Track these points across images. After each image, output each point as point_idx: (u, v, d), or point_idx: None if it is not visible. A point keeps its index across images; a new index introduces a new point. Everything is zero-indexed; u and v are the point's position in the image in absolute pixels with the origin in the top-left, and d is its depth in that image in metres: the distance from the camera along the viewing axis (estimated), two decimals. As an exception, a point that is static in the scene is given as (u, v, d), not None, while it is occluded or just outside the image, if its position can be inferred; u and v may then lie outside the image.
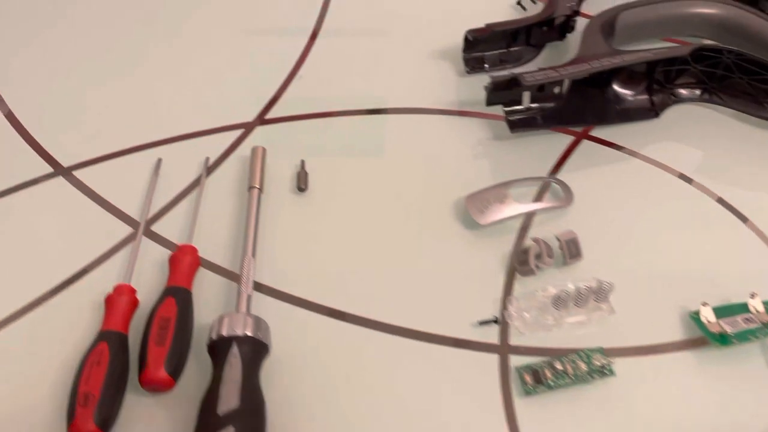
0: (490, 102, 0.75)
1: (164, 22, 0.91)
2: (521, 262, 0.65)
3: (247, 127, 0.78)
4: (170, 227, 0.70)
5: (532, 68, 0.75)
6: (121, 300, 0.60)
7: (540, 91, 0.75)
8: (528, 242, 0.68)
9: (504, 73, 0.73)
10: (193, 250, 0.65)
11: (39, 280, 0.65)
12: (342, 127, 0.79)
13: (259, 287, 0.64)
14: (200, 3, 0.93)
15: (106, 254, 0.67)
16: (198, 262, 0.65)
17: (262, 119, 0.79)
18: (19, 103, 0.81)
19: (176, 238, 0.68)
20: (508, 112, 0.76)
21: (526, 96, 0.75)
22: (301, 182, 0.72)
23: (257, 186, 0.69)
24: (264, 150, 0.73)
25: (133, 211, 0.71)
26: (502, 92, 0.74)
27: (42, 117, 0.79)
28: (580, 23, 0.84)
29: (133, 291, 0.62)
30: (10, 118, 0.79)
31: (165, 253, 0.67)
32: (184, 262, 0.63)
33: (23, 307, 0.63)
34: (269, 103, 0.81)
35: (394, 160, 0.76)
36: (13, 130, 0.78)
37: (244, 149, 0.76)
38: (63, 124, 0.78)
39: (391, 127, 0.79)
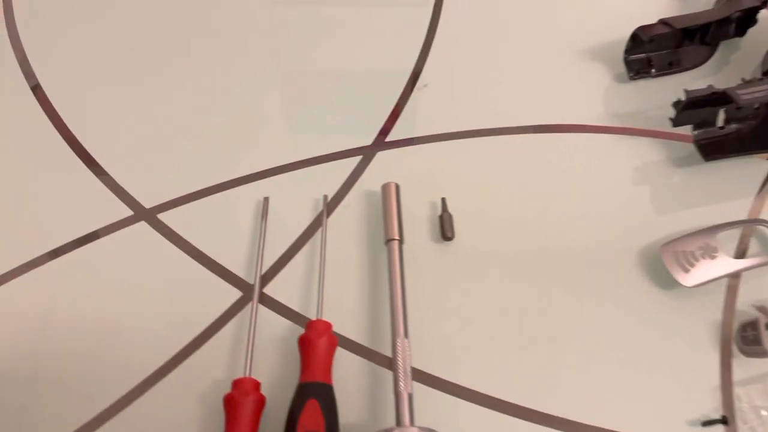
0: (678, 122, 0.59)
1: (260, 40, 0.75)
2: (748, 340, 0.51)
3: (366, 153, 0.63)
4: (286, 287, 0.55)
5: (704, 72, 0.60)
6: (246, 403, 0.46)
7: (738, 110, 0.60)
8: (750, 311, 0.53)
9: (702, 87, 0.58)
10: (328, 328, 0.51)
11: (127, 369, 0.52)
12: (481, 151, 0.64)
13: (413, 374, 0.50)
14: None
15: (210, 329, 0.53)
16: (336, 343, 0.50)
17: (382, 142, 0.64)
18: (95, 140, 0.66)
19: (296, 304, 0.54)
20: (698, 135, 0.60)
21: (721, 115, 0.60)
22: (447, 229, 0.57)
23: (397, 237, 0.55)
24: (397, 187, 0.58)
25: (236, 266, 0.56)
26: (695, 110, 0.59)
27: (118, 153, 0.65)
28: (764, 15, 0.68)
29: (257, 386, 0.48)
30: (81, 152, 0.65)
31: (282, 324, 0.53)
32: (319, 346, 0.49)
33: (110, 406, 0.50)
34: (388, 121, 0.66)
35: (552, 193, 0.61)
36: (89, 171, 0.63)
37: (367, 181, 0.61)
38: (142, 159, 0.64)
39: (541, 150, 0.64)
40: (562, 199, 0.60)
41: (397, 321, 0.50)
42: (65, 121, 0.65)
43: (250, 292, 0.55)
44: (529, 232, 0.58)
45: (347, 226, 0.59)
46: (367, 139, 0.64)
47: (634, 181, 0.61)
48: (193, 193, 0.60)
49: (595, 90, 0.68)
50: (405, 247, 0.55)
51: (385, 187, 0.58)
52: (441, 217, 0.58)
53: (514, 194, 0.61)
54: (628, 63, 0.67)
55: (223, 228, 0.58)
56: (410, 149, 0.64)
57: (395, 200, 0.57)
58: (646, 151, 0.63)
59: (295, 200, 0.60)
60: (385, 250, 0.56)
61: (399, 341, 0.49)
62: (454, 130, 0.65)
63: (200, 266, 0.56)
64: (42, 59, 0.71)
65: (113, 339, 0.53)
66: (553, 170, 0.62)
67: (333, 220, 0.59)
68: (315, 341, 0.49)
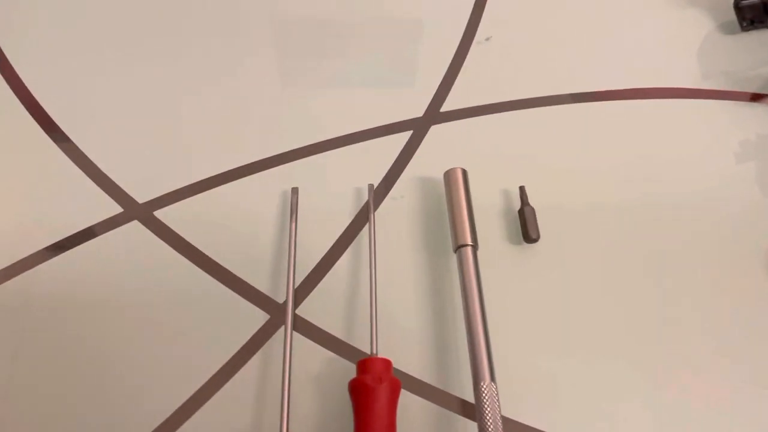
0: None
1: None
2: None
3: (417, 127, 0.50)
4: (324, 307, 0.43)
5: None
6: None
7: None
8: None
9: None
10: (387, 369, 0.38)
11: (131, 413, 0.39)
12: (563, 123, 0.50)
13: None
14: None
15: (230, 366, 0.41)
16: (399, 389, 0.38)
17: (436, 112, 0.51)
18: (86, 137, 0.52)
19: (339, 328, 0.42)
20: None
21: None
22: (531, 228, 0.44)
23: (470, 242, 0.42)
24: (465, 174, 0.45)
25: (259, 280, 0.43)
26: None
27: (99, 134, 0.51)
28: None
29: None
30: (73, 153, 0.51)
31: (321, 356, 0.41)
32: (380, 396, 0.36)
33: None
34: (442, 86, 0.52)
35: (654, 176, 0.48)
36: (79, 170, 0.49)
37: (420, 164, 0.48)
38: (133, 143, 0.50)
39: (638, 121, 0.51)
40: (667, 184, 0.48)
41: (480, 359, 0.38)
42: (30, 89, 0.52)
43: (280, 314, 0.42)
44: (632, 227, 0.46)
45: (399, 224, 0.46)
46: (418, 110, 0.51)
47: (755, 161, 0.49)
48: (199, 183, 0.47)
49: (697, 44, 0.54)
50: (478, 253, 0.43)
51: (450, 175, 0.45)
52: (521, 212, 0.45)
53: (609, 178, 0.48)
54: (740, 9, 0.54)
55: (238, 229, 0.45)
56: (472, 122, 0.50)
57: (464, 191, 0.44)
58: (762, 120, 0.51)
59: (329, 191, 0.47)
60: (453, 258, 0.43)
61: (485, 387, 0.37)
62: (527, 95, 0.51)
63: (212, 280, 0.43)
64: (16, 41, 0.56)
65: (103, 394, 0.40)
66: (652, 147, 0.49)
67: (380, 218, 0.46)
68: (373, 390, 0.37)
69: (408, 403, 0.40)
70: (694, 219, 0.46)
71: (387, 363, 0.38)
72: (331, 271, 0.44)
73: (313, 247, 0.44)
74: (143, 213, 0.46)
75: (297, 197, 0.45)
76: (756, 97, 0.52)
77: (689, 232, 0.46)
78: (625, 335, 0.42)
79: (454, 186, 0.44)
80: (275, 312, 0.42)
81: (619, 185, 0.47)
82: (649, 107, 0.51)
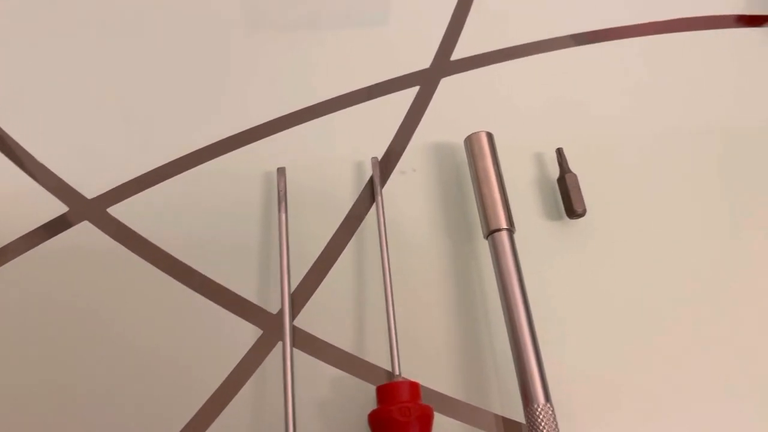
0: None
1: None
2: None
3: (425, 80, 0.41)
4: (327, 316, 0.35)
5: None
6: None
7: None
8: None
9: None
10: (415, 394, 0.31)
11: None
12: (603, 65, 0.42)
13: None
14: None
15: (219, 396, 0.33)
16: (432, 418, 0.31)
17: (446, 63, 0.42)
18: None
19: (347, 340, 0.34)
20: None
21: None
22: (576, 200, 0.36)
23: (505, 226, 0.34)
24: (491, 139, 0.36)
25: (245, 287, 0.35)
26: None
27: (36, 122, 0.41)
28: None
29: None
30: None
31: (328, 376, 0.33)
32: (412, 430, 0.29)
33: None
34: (451, 28, 0.43)
35: (712, 123, 0.40)
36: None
37: (431, 127, 0.39)
38: (77, 130, 0.41)
39: (681, 58, 0.42)
40: (727, 128, 0.39)
41: (530, 376, 0.30)
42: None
43: (275, 328, 0.34)
44: (696, 184, 0.38)
45: (412, 205, 0.37)
46: (424, 60, 0.42)
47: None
48: (160, 169, 0.38)
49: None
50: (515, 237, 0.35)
51: (473, 141, 0.36)
52: (561, 181, 0.37)
53: (665, 130, 0.39)
54: None
55: (213, 223, 0.36)
56: (490, 70, 0.41)
57: (492, 162, 0.35)
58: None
59: (323, 169, 0.38)
60: (483, 244, 0.35)
61: (539, 410, 0.29)
62: (554, 34, 0.42)
63: (186, 290, 0.35)
64: None
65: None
66: (705, 88, 0.41)
67: (387, 198, 0.37)
68: (403, 426, 0.29)
69: (440, 426, 0.32)
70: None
71: (415, 387, 0.31)
72: (333, 269, 0.35)
73: (308, 240, 0.36)
74: (94, 211, 0.37)
75: (285, 179, 0.37)
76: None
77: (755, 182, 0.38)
78: (705, 329, 0.34)
79: (479, 155, 0.35)
80: (269, 325, 0.34)
81: (676, 136, 0.39)
82: (698, 40, 0.43)
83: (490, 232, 0.34)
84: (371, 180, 0.37)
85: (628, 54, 0.42)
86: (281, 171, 0.37)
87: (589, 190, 0.37)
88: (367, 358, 0.33)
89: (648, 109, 0.40)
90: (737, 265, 0.36)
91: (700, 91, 0.41)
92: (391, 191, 0.38)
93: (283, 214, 0.35)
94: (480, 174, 0.35)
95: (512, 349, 0.31)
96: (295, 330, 0.34)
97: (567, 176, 0.36)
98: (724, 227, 0.37)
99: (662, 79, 0.42)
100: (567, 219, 0.36)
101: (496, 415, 0.32)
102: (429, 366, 0.33)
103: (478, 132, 0.36)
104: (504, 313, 0.32)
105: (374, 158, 0.37)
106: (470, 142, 0.36)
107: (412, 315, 0.34)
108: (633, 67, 0.42)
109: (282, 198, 0.36)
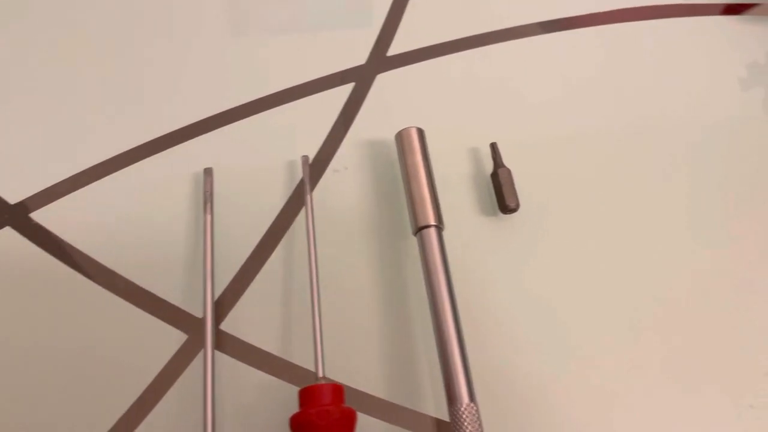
0: None
1: None
2: None
3: (360, 77, 0.40)
4: (254, 318, 0.34)
5: None
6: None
7: None
8: None
9: None
10: (338, 397, 0.30)
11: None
12: (535, 57, 0.41)
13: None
14: None
15: (140, 404, 0.32)
16: (354, 422, 0.30)
17: (382, 58, 0.41)
18: None
19: (274, 342, 0.33)
20: None
21: None
22: (508, 195, 0.35)
23: (433, 222, 0.33)
24: (422, 135, 0.36)
25: (170, 290, 0.34)
26: None
27: None
28: None
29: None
30: None
31: (255, 379, 0.32)
32: (331, 434, 0.28)
33: None
34: (388, 23, 0.42)
35: (653, 118, 0.39)
36: None
37: (367, 125, 0.39)
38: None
39: (620, 48, 0.41)
40: (669, 124, 0.39)
41: (456, 375, 0.29)
42: None
43: (200, 333, 0.33)
44: (634, 179, 0.37)
45: (344, 204, 0.36)
46: (359, 56, 0.41)
47: (763, 85, 0.40)
48: (85, 173, 0.37)
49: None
50: (445, 234, 0.34)
51: (403, 137, 0.35)
52: (495, 176, 0.36)
53: (601, 124, 0.39)
54: None
55: (139, 227, 0.35)
56: (427, 66, 0.41)
57: (422, 157, 0.35)
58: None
59: (253, 169, 0.37)
60: (414, 242, 0.34)
61: (463, 409, 0.29)
62: (492, 27, 0.42)
63: (112, 296, 0.34)
64: None
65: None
66: (646, 79, 0.40)
67: (319, 197, 0.37)
68: (322, 428, 0.28)
69: (371, 429, 0.31)
70: (710, 163, 0.38)
71: (337, 390, 0.30)
72: (261, 272, 0.34)
73: (236, 242, 0.35)
74: (17, 216, 0.36)
75: (212, 180, 0.36)
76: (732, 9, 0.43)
77: (706, 178, 0.37)
78: (638, 326, 0.33)
79: (409, 151, 0.35)
80: (194, 330, 0.33)
81: (613, 132, 0.39)
82: (637, 30, 0.42)
83: (418, 229, 0.33)
84: (302, 180, 0.36)
85: (570, 46, 0.42)
86: (208, 171, 0.36)
87: (524, 185, 0.36)
88: (294, 361, 0.33)
89: (588, 102, 0.40)
90: (672, 260, 0.35)
91: (649, 82, 0.41)
92: (324, 190, 0.37)
93: (209, 216, 0.34)
94: (409, 170, 0.34)
95: (438, 348, 0.30)
96: (221, 334, 0.33)
97: (500, 171, 0.35)
98: (661, 223, 0.36)
99: (606, 71, 0.41)
100: (501, 214, 0.36)
101: (430, 417, 0.31)
102: (360, 368, 0.32)
103: (408, 128, 0.35)
104: (431, 311, 0.31)
105: (304, 157, 0.37)
106: (400, 138, 0.35)
107: (342, 316, 0.33)
108: (575, 60, 0.41)
109: (208, 199, 0.35)
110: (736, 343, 0.33)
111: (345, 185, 0.37)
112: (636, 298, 0.34)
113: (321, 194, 0.36)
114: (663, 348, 0.33)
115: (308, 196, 0.35)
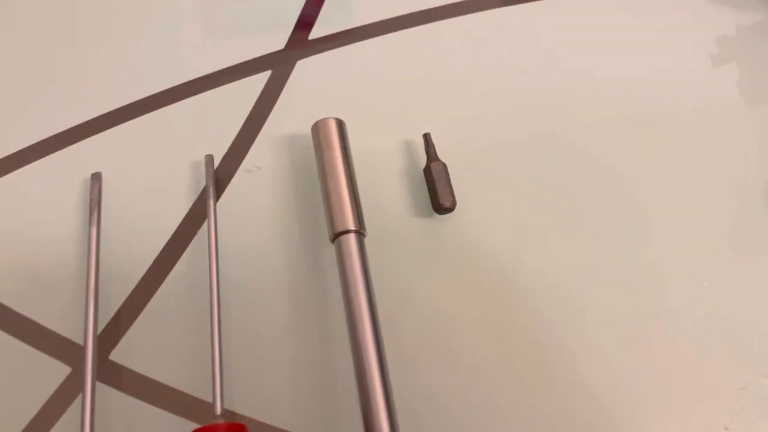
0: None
1: None
2: None
3: (278, 63, 0.36)
4: (149, 347, 0.29)
5: None
6: None
7: None
8: None
9: None
10: (238, 437, 0.25)
11: None
12: (475, 38, 0.37)
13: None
14: None
15: (14, 450, 0.27)
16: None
17: (303, 41, 0.36)
18: None
19: (170, 374, 0.28)
20: None
21: None
22: (442, 193, 0.31)
23: (353, 227, 0.28)
24: (341, 126, 0.31)
25: (52, 318, 0.29)
26: None
27: None
28: None
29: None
30: None
31: (149, 415, 0.28)
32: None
33: None
34: (309, 3, 0.37)
35: (606, 105, 0.35)
36: None
37: (284, 118, 0.34)
38: None
39: (574, 27, 0.37)
40: (626, 108, 0.35)
41: (375, 407, 0.25)
42: None
43: (83, 364, 0.28)
44: (587, 174, 0.33)
45: (256, 208, 0.32)
46: (278, 41, 0.36)
47: (735, 62, 0.36)
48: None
49: None
50: (369, 237, 0.29)
51: (319, 130, 0.31)
52: (427, 171, 0.31)
53: (548, 111, 0.35)
54: None
55: (18, 243, 0.31)
56: (354, 49, 0.36)
57: (341, 152, 0.30)
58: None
59: (151, 173, 0.32)
60: (332, 250, 0.30)
61: None
62: (428, 5, 0.37)
63: (-17, 324, 0.29)
64: None
65: None
66: (600, 61, 0.36)
67: (230, 201, 0.32)
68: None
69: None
70: (670, 152, 0.33)
71: (235, 430, 0.25)
72: (159, 292, 0.30)
73: (130, 258, 0.30)
74: None
75: (100, 185, 0.31)
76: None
77: (664, 168, 0.33)
78: (580, 337, 0.29)
79: (325, 145, 0.30)
80: (80, 362, 0.29)
81: (568, 121, 0.34)
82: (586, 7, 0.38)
83: (336, 236, 0.28)
84: (208, 186, 0.32)
85: (519, 23, 0.38)
86: (96, 176, 0.31)
87: (462, 182, 0.32)
88: (196, 394, 0.28)
89: (535, 88, 0.35)
90: (616, 262, 0.31)
91: (606, 64, 0.36)
92: (235, 193, 0.32)
93: (95, 228, 0.30)
94: (326, 167, 0.30)
95: (356, 377, 0.26)
96: (109, 365, 0.28)
97: (433, 165, 0.31)
98: (610, 224, 0.32)
99: (559, 52, 0.37)
100: (435, 215, 0.31)
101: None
102: (270, 399, 0.28)
103: (325, 119, 0.31)
104: (349, 334, 0.27)
105: (208, 156, 0.32)
106: (316, 130, 0.31)
107: (250, 340, 0.29)
108: (524, 40, 0.37)
109: (94, 208, 0.30)
110: (707, 355, 0.29)
111: (259, 186, 0.32)
112: (585, 308, 0.30)
113: (230, 198, 0.32)
114: (606, 359, 0.28)
115: (210, 202, 0.30)
